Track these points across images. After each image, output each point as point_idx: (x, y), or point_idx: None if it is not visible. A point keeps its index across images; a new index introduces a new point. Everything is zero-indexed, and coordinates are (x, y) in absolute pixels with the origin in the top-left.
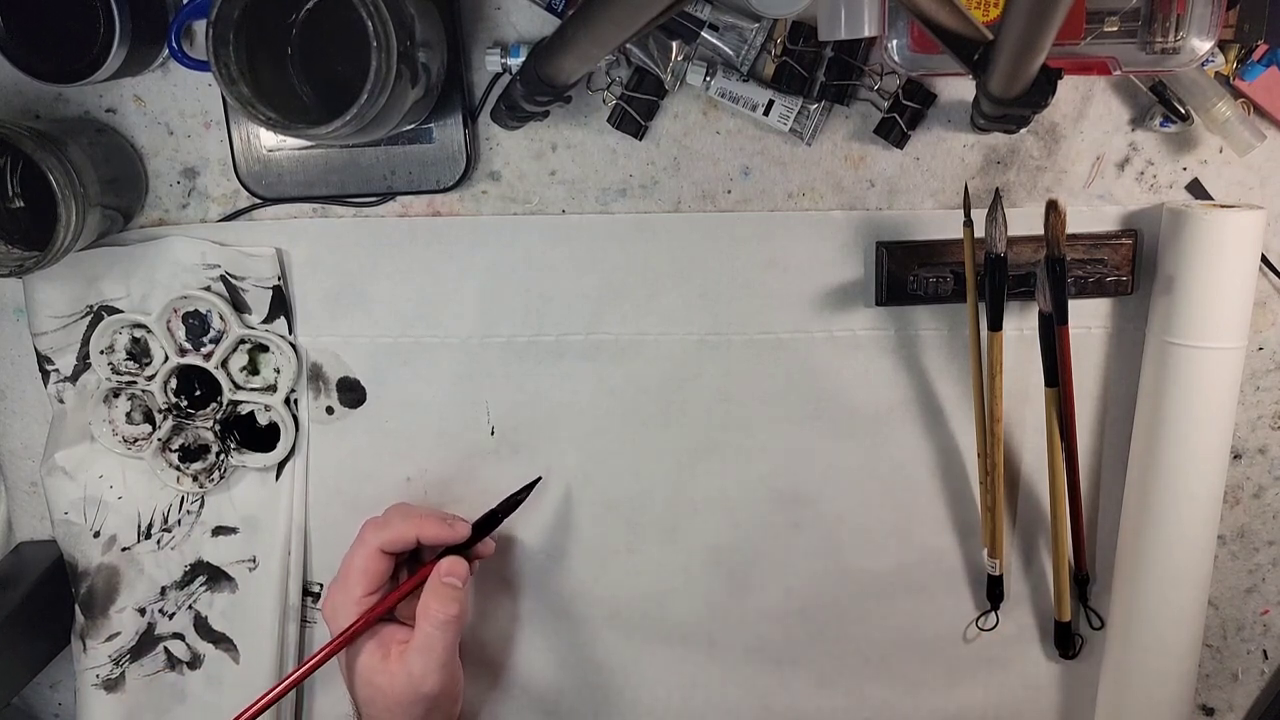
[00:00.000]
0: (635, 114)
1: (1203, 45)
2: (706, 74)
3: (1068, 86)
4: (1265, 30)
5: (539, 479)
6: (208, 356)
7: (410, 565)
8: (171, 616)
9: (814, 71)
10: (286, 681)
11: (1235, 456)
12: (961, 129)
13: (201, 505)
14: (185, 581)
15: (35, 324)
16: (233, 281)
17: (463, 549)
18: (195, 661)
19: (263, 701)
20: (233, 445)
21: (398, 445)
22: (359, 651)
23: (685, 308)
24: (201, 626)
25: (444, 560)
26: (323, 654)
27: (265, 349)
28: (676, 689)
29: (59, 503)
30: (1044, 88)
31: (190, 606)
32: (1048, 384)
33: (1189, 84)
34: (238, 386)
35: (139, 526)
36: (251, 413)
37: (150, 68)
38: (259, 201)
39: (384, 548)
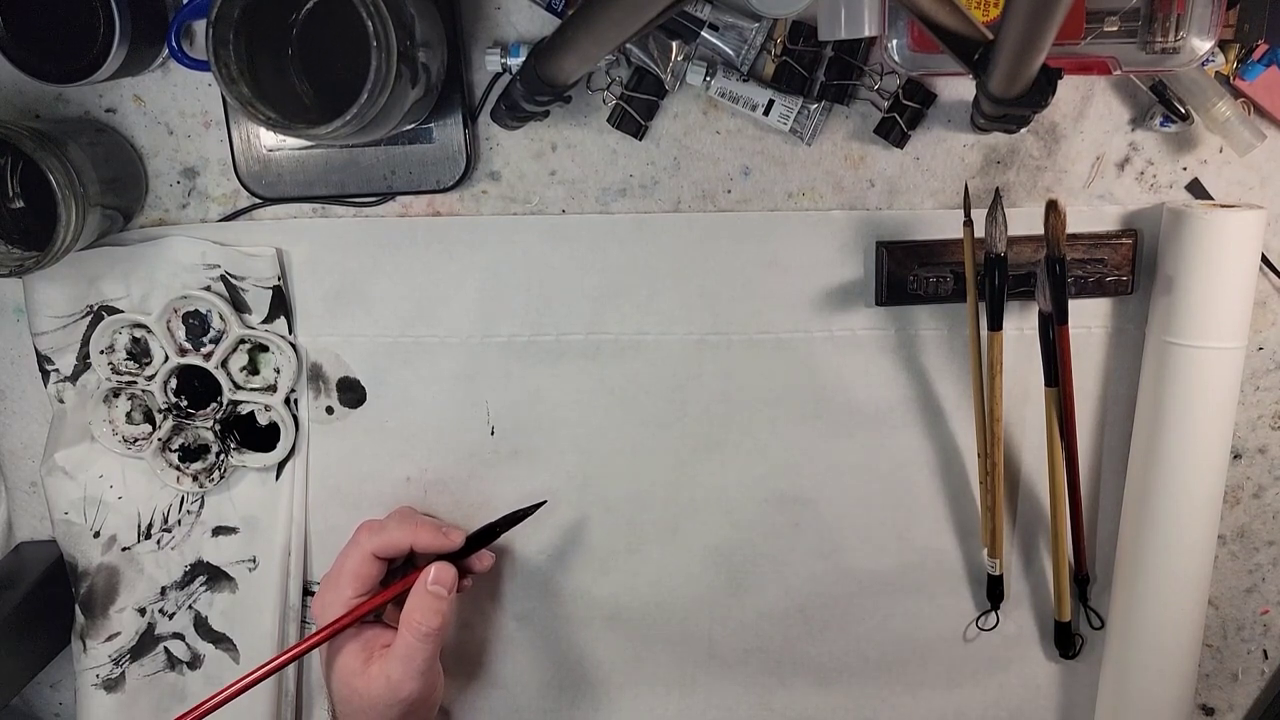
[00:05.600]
0: (635, 114)
1: (1203, 45)
2: (706, 74)
3: (1068, 86)
4: (1265, 30)
5: (544, 502)
6: (208, 356)
7: (405, 568)
8: (171, 616)
9: (814, 71)
10: (261, 670)
11: (1235, 456)
12: (961, 129)
13: (201, 505)
14: (185, 581)
15: (35, 324)
16: (233, 281)
17: (456, 558)
18: (195, 661)
19: (236, 688)
20: (233, 445)
21: (398, 445)
22: (340, 651)
23: (685, 308)
24: (201, 626)
25: (432, 566)
26: (302, 647)
27: (265, 349)
28: (676, 689)
29: (59, 503)
30: (1044, 87)
31: (190, 606)
32: (1048, 384)
33: (1189, 84)
34: (238, 386)
35: (139, 526)
36: (251, 413)
37: (150, 68)
38: (259, 201)
39: (377, 552)
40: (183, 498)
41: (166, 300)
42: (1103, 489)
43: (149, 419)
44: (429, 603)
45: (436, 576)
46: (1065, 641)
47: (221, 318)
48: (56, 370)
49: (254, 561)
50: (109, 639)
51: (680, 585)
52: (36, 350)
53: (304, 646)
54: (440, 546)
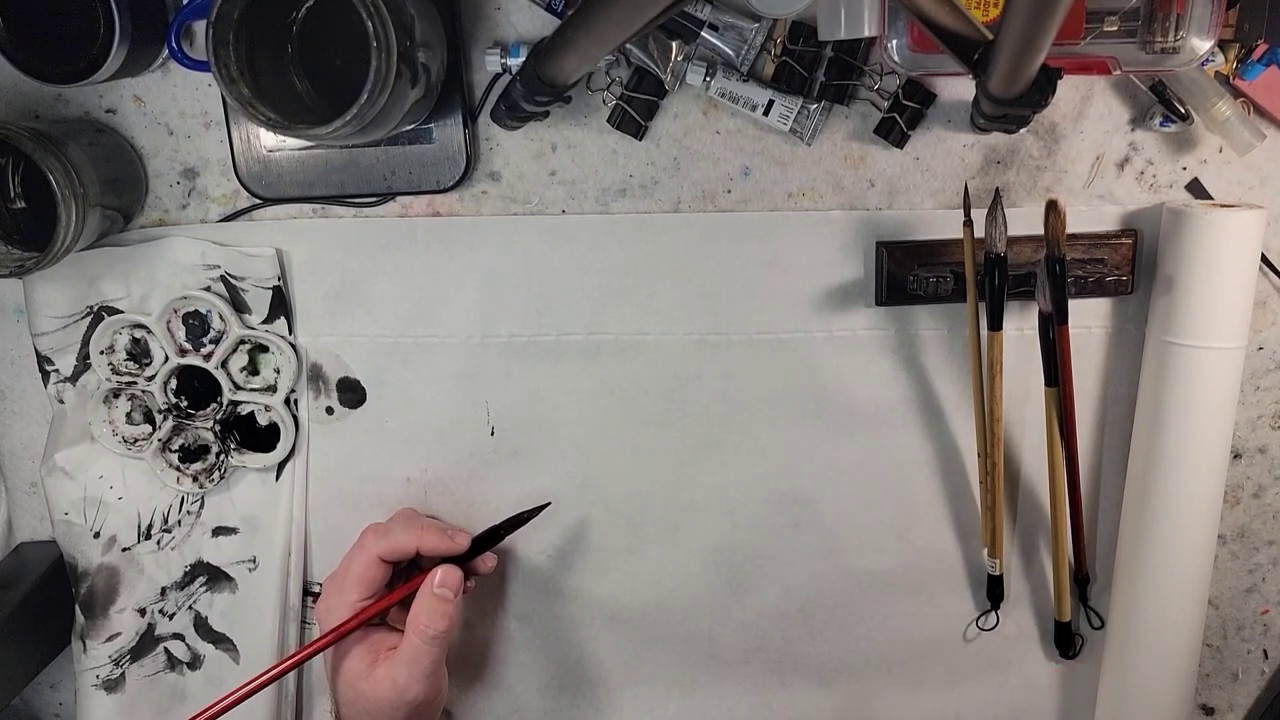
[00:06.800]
0: (635, 114)
1: (1202, 45)
2: (706, 74)
3: (1067, 86)
4: (1265, 29)
5: (548, 504)
6: (208, 357)
7: (410, 571)
8: (172, 617)
9: (814, 71)
10: (268, 674)
11: (1235, 456)
12: (961, 129)
13: (201, 505)
14: (185, 582)
15: (35, 324)
16: (233, 282)
17: (461, 560)
18: (195, 662)
19: (241, 692)
20: (233, 445)
21: (398, 445)
22: (346, 654)
23: (685, 308)
24: (201, 627)
25: (438, 569)
26: (309, 650)
27: (265, 349)
28: (676, 689)
29: (59, 503)
30: (1044, 87)
31: (190, 607)
32: (1048, 384)
33: (1189, 83)
34: (238, 387)
35: (139, 527)
36: (251, 413)
37: (150, 68)
38: (259, 202)
39: (383, 556)
40: (183, 498)
41: (166, 300)
42: (1103, 489)
43: (149, 419)
44: (435, 606)
45: (443, 580)
46: (1065, 641)
47: (221, 318)
48: (56, 371)
49: (254, 562)
50: (109, 639)
51: (680, 585)
52: (36, 351)
53: (311, 650)
54: (445, 550)
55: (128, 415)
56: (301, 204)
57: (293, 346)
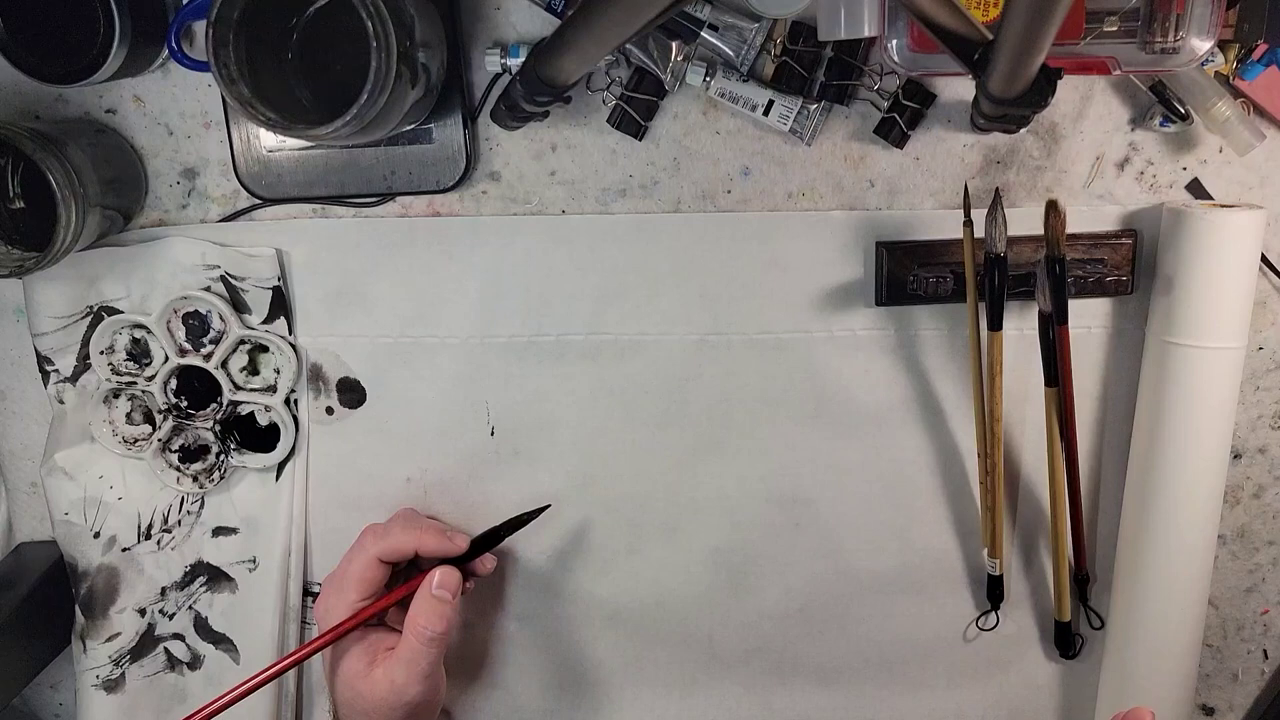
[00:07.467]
0: (635, 114)
1: (1202, 45)
2: (706, 74)
3: (1067, 86)
4: (1265, 29)
5: (548, 506)
6: (208, 357)
7: (409, 571)
8: (172, 617)
9: (814, 71)
10: (266, 673)
11: (1235, 456)
12: (961, 129)
13: (201, 506)
14: (185, 582)
15: (35, 324)
16: (233, 282)
17: (460, 561)
18: (195, 662)
19: (239, 691)
20: (233, 445)
21: (398, 445)
22: (344, 654)
23: (685, 308)
24: (201, 627)
25: (437, 570)
26: (307, 650)
27: (265, 349)
28: (677, 689)
29: (59, 503)
30: (1044, 87)
31: (190, 607)
32: (1048, 384)
33: (1189, 83)
34: (238, 387)
35: (139, 527)
36: (251, 413)
37: (150, 68)
38: (259, 202)
39: (382, 556)
40: (183, 498)
41: (166, 301)
42: (1103, 489)
43: (149, 419)
44: (433, 607)
45: (441, 581)
46: (1065, 641)
47: (221, 318)
48: (56, 371)
49: (254, 562)
50: (109, 639)
51: (680, 585)
52: (36, 351)
53: (309, 649)
54: (444, 551)
55: (128, 415)
56: (301, 204)
57: (293, 347)
